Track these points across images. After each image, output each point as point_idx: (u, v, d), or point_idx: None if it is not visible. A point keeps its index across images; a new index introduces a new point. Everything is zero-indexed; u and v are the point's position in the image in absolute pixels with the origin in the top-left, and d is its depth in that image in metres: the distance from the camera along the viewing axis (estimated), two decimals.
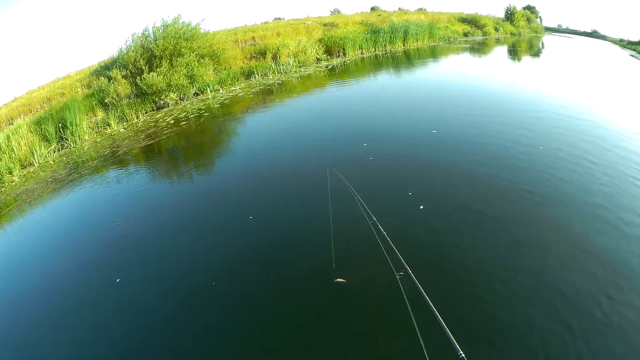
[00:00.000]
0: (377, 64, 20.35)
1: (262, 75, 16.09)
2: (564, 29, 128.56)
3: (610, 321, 3.85)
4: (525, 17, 65.81)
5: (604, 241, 4.92)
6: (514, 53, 31.52)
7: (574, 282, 4.41)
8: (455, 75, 16.72)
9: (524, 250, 4.85)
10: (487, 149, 7.44)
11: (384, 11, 34.88)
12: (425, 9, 40.18)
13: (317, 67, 18.14)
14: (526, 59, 27.85)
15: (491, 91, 13.33)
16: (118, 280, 4.76)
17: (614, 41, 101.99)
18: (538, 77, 17.06)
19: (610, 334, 3.74)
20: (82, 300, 4.64)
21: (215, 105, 12.22)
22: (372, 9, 38.23)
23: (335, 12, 38.12)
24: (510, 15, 57.55)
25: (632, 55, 47.38)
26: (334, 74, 16.82)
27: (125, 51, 14.04)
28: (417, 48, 27.81)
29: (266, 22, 28.25)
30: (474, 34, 37.96)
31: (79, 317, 4.37)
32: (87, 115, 11.33)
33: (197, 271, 4.80)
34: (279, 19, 31.96)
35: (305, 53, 18.36)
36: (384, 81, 15.09)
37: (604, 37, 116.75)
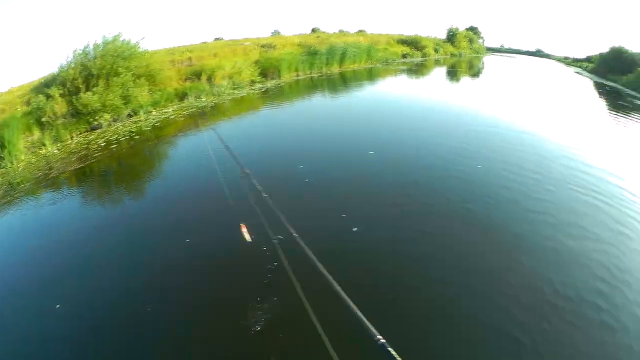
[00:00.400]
0: (311, 86, 21.51)
1: (195, 97, 17.26)
2: (506, 48, 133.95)
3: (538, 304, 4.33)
4: (468, 38, 67.80)
5: (537, 239, 5.63)
6: (452, 74, 33.35)
7: (492, 260, 5.12)
8: (392, 96, 18.22)
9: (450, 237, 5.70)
10: (426, 164, 8.46)
11: (324, 33, 36.84)
12: (365, 31, 42.19)
13: (251, 89, 19.58)
14: (465, 79, 30.10)
15: (428, 111, 14.66)
16: (58, 306, 4.93)
17: (558, 59, 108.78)
18: (476, 96, 19.53)
19: (534, 312, 4.20)
20: (16, 322, 4.84)
21: (147, 128, 13.45)
22: (313, 30, 39.80)
23: (276, 33, 39.47)
24: (452, 37, 59.52)
25: (577, 72, 51.58)
26: (267, 96, 18.23)
27: (65, 68, 14.81)
28: (354, 70, 28.61)
29: (205, 42, 29.41)
30: (413, 56, 39.79)
31: (9, 343, 4.57)
32: (24, 134, 12.27)
33: (130, 295, 5.10)
34: (219, 39, 33.09)
35: (240, 75, 19.85)
36: (319, 104, 16.53)
37: (548, 56, 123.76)
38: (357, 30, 42.26)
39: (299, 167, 8.59)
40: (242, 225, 4.56)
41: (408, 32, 58.19)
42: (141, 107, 15.05)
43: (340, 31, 39.67)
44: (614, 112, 19.78)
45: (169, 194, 8.18)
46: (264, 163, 9.05)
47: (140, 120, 14.44)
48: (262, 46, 25.08)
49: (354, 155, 9.47)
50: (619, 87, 38.18)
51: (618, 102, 25.81)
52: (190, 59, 20.54)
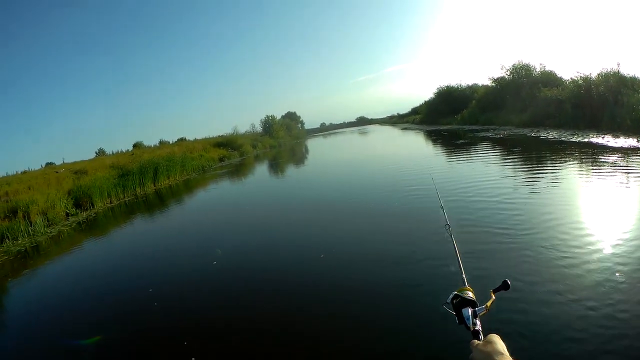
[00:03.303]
0: (127, 213, 21.58)
1: (12, 239, 17.11)
2: (328, 125, 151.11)
3: None
4: (285, 127, 74.30)
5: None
6: (275, 166, 36.78)
7: None
8: (214, 207, 19.84)
9: None
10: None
11: (144, 147, 37.83)
12: (185, 138, 45.33)
13: (65, 223, 20.31)
14: (289, 168, 33.68)
15: (254, 216, 15.76)
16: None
17: (382, 121, 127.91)
18: (296, 184, 23.68)
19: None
20: None
21: None
22: (134, 146, 39.60)
23: (100, 152, 40.10)
24: (268, 128, 64.09)
25: (405, 128, 63.41)
26: (81, 230, 18.50)
27: None
28: (170, 186, 29.06)
29: (25, 172, 30.14)
30: (231, 157, 41.07)
31: None
32: None
33: None
34: (51, 164, 33.43)
35: (54, 209, 21.04)
36: (138, 231, 16.84)
37: (370, 121, 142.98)
38: (177, 138, 44.21)
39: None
40: None
41: (225, 131, 59.94)
42: None
43: (160, 142, 40.51)
44: (456, 153, 24.53)
45: None
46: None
47: None
48: (75, 172, 26.23)
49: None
50: (455, 127, 46.22)
51: (458, 142, 30.70)
52: (7, 193, 21.56)
